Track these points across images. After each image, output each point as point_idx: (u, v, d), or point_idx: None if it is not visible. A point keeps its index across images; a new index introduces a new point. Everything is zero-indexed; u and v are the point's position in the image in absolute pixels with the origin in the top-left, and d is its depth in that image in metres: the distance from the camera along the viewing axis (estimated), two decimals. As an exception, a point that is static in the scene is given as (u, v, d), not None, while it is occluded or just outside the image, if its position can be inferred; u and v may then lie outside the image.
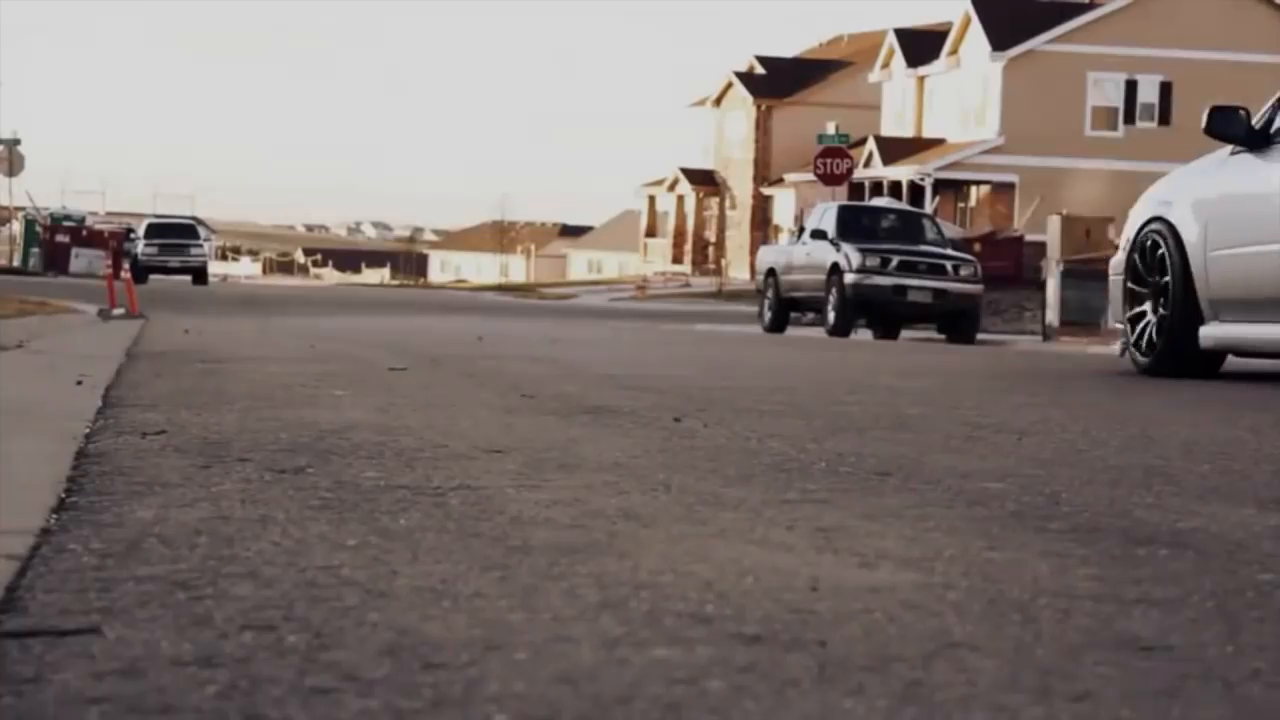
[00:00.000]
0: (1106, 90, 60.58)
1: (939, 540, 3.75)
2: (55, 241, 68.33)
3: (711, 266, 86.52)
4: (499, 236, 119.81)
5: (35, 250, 69.58)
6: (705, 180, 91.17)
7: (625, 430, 6.37)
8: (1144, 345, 11.54)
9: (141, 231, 66.14)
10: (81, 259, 66.61)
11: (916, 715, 2.21)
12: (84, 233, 69.21)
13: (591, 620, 2.76)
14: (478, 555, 3.39)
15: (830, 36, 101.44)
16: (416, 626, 2.68)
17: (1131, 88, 60.52)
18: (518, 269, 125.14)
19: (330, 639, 2.58)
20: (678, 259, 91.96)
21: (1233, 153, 10.94)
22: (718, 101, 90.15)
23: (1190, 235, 10.97)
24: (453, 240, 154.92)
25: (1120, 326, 12.16)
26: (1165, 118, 60.11)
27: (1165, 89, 60.32)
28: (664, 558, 3.41)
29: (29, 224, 71.65)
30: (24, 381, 8.46)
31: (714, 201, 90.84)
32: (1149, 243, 11.40)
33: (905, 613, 2.89)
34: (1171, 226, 11.11)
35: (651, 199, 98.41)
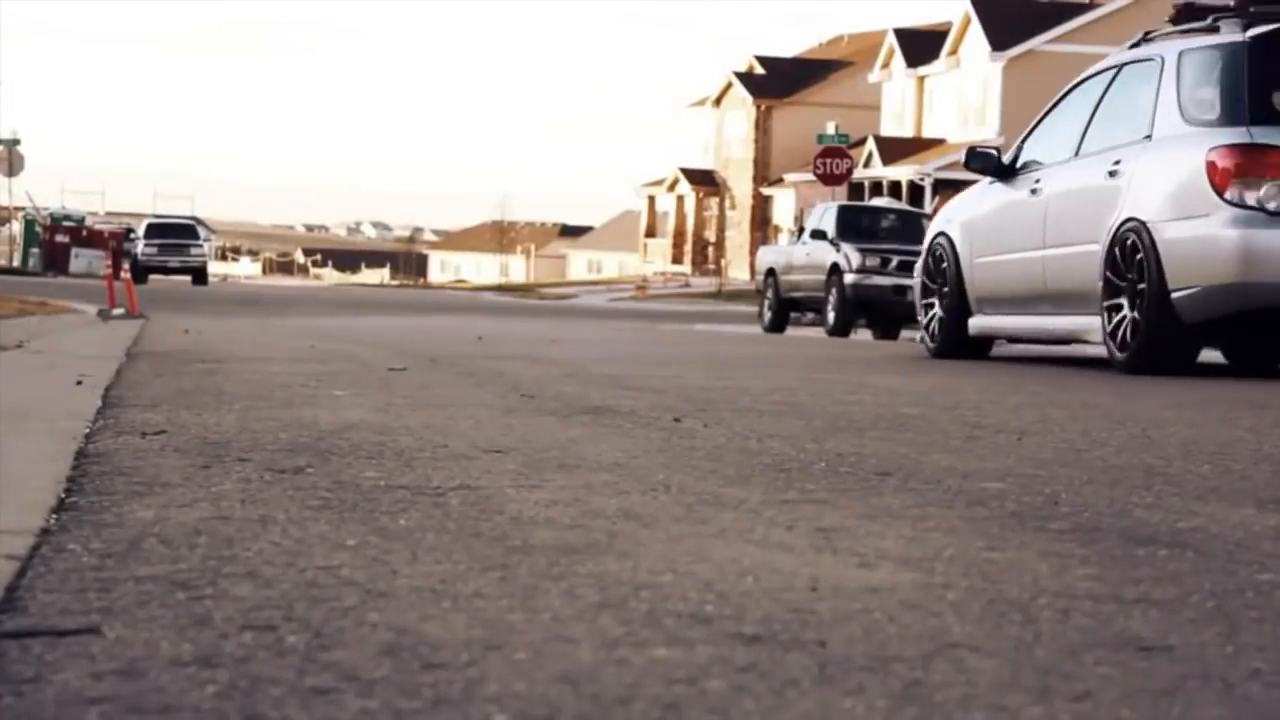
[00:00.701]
0: (1106, 90, 60.64)
1: (939, 540, 3.75)
2: (55, 241, 68.34)
3: (711, 267, 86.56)
4: (499, 237, 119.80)
5: (35, 250, 69.59)
6: (705, 180, 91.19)
7: (625, 430, 6.37)
8: (932, 333, 14.36)
9: (141, 231, 66.11)
10: (81, 259, 66.62)
11: (916, 715, 2.21)
12: (84, 233, 69.22)
13: (591, 620, 2.76)
14: (477, 555, 3.39)
15: (830, 37, 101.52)
16: (416, 626, 2.68)
17: (1131, 88, 60.59)
18: (517, 269, 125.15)
19: (330, 639, 2.58)
20: (677, 259, 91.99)
21: (990, 182, 13.85)
22: (718, 101, 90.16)
23: (961, 247, 13.98)
24: (452, 240, 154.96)
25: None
26: (1165, 118, 60.18)
27: (1165, 89, 60.40)
28: (664, 558, 3.41)
29: (29, 224, 71.65)
30: (24, 381, 8.46)
31: (714, 202, 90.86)
32: (936, 253, 14.41)
33: (905, 613, 2.89)
34: (950, 239, 14.20)
35: (651, 199, 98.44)
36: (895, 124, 69.62)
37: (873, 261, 28.68)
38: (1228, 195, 10.90)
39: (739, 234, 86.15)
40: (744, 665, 2.46)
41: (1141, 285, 11.38)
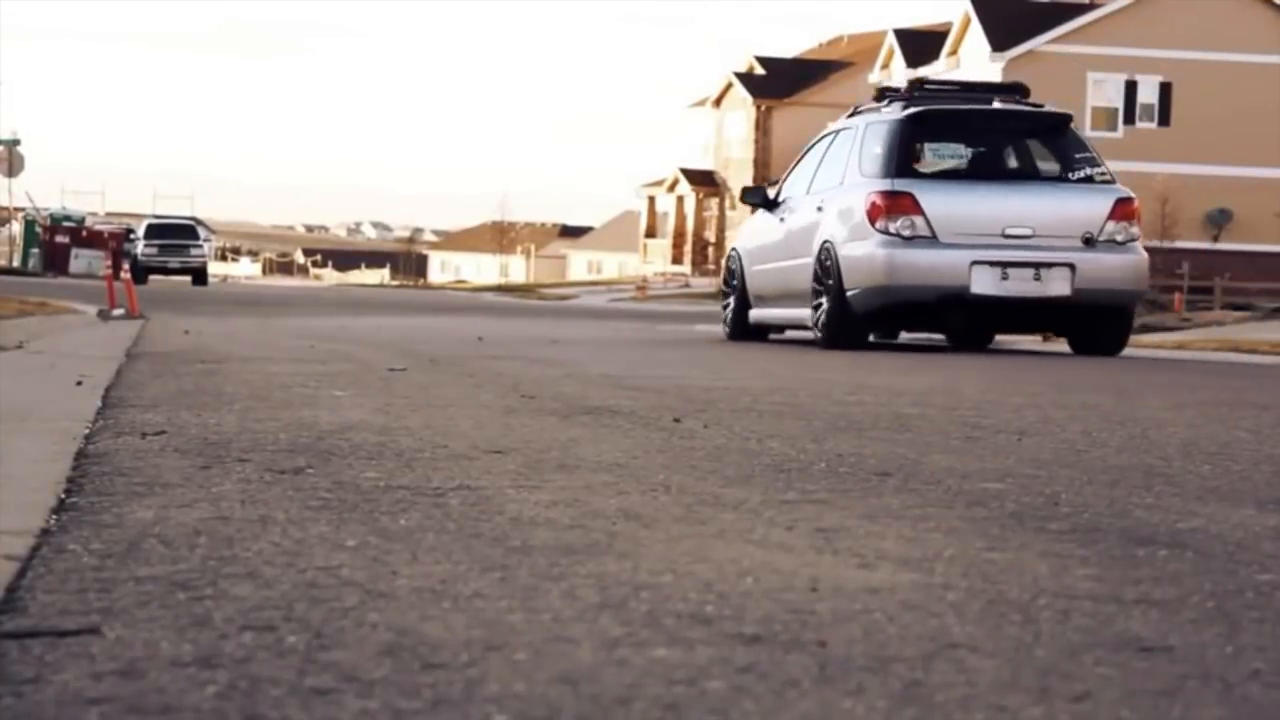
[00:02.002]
0: (1106, 91, 60.60)
1: (938, 541, 3.75)
2: (55, 242, 68.32)
3: (711, 267, 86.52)
4: (499, 237, 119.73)
5: (35, 251, 69.59)
6: (705, 181, 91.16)
7: (625, 431, 6.37)
8: (727, 321, 18.79)
9: (141, 232, 66.09)
10: (81, 259, 66.60)
11: (916, 716, 2.21)
12: (84, 233, 69.20)
13: (591, 621, 2.76)
14: (478, 556, 3.39)
15: (830, 37, 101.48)
16: (416, 627, 2.68)
17: (1131, 88, 60.53)
18: (518, 269, 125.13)
19: (330, 639, 2.58)
20: (677, 259, 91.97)
21: (762, 212, 18.25)
22: (718, 102, 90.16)
23: (745, 259, 18.44)
24: (452, 241, 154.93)
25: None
26: (1165, 118, 60.12)
27: (1165, 89, 60.33)
28: (664, 558, 3.41)
29: (29, 224, 71.64)
30: (24, 382, 8.46)
31: (714, 202, 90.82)
32: (730, 264, 18.94)
33: (905, 613, 2.89)
34: (739, 253, 18.69)
35: (651, 199, 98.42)
36: (895, 124, 69.70)
37: (873, 262, 28.65)
38: (878, 225, 15.52)
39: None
40: (744, 666, 2.46)
41: (832, 286, 15.85)
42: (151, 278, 60.74)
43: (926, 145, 16.70)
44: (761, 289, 17.86)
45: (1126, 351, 16.34)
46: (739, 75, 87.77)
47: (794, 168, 18.08)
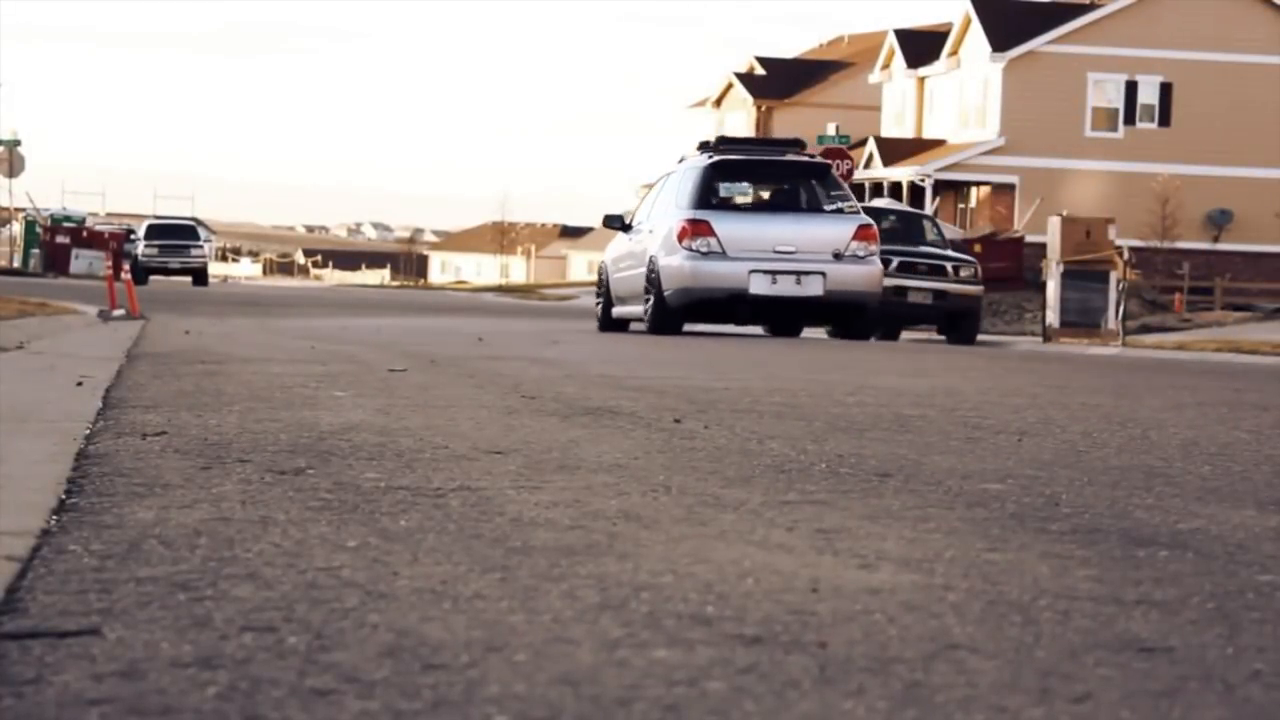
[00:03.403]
0: (1107, 91, 60.59)
1: (939, 541, 3.75)
2: (55, 242, 68.28)
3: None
4: (499, 237, 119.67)
5: (35, 251, 69.57)
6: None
7: (626, 431, 6.37)
8: (598, 316, 23.79)
9: (142, 232, 66.04)
10: (81, 260, 66.57)
11: (917, 717, 2.21)
12: (84, 234, 69.15)
13: (592, 622, 2.76)
14: (478, 556, 3.39)
15: (830, 37, 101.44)
16: (417, 628, 2.68)
17: (1132, 88, 60.51)
18: (518, 270, 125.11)
19: (330, 640, 2.58)
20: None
21: (623, 234, 23.35)
22: (718, 102, 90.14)
23: (610, 268, 23.42)
24: (453, 241, 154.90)
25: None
26: (1165, 119, 60.10)
27: (1165, 90, 60.30)
28: (664, 559, 3.41)
29: (29, 225, 71.62)
30: (24, 383, 8.46)
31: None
32: (601, 273, 23.98)
33: (905, 614, 2.89)
34: (605, 264, 23.76)
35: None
36: (896, 125, 69.64)
37: (872, 262, 28.68)
38: (684, 244, 20.86)
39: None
40: (744, 666, 2.46)
41: (655, 288, 21.07)
42: (152, 278, 60.69)
43: (723, 185, 22.37)
44: (618, 291, 23.00)
45: (1126, 352, 16.61)
46: (739, 75, 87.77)
47: (643, 199, 23.79)
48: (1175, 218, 54.89)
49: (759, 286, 20.71)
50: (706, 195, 21.40)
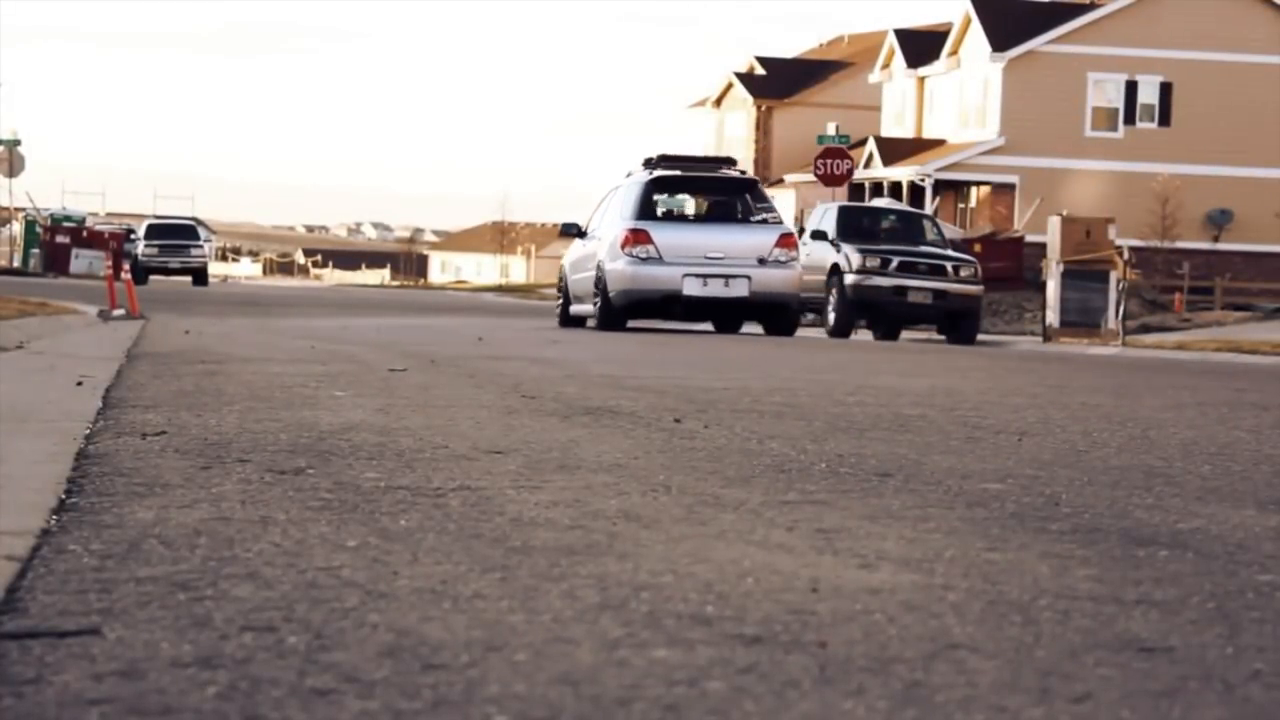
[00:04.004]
0: (1107, 91, 60.56)
1: (939, 541, 3.75)
2: (55, 242, 68.24)
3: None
4: (499, 237, 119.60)
5: (35, 251, 69.55)
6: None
7: (626, 431, 6.37)
8: (558, 314, 25.77)
9: (142, 232, 66.01)
10: (82, 260, 66.54)
11: (917, 717, 2.21)
12: (84, 233, 69.11)
13: (592, 621, 2.76)
14: (478, 556, 3.39)
15: (830, 37, 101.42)
16: (417, 628, 2.68)
17: (1131, 88, 60.47)
18: (518, 269, 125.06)
19: (330, 640, 2.58)
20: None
21: (578, 240, 25.53)
22: (718, 102, 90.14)
23: (568, 270, 25.58)
24: (453, 241, 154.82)
25: None
26: (1165, 118, 60.07)
27: (1165, 89, 60.27)
28: (664, 559, 3.41)
29: (29, 225, 71.58)
30: (24, 382, 8.46)
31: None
32: (560, 275, 26.15)
33: (905, 614, 2.89)
34: (564, 267, 25.91)
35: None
36: (895, 124, 69.61)
37: (873, 262, 28.65)
38: (626, 251, 23.19)
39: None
40: (744, 666, 2.46)
41: (602, 290, 23.34)
42: (152, 278, 60.66)
43: (661, 198, 25.49)
44: (575, 292, 25.29)
45: (1126, 352, 16.65)
46: (739, 75, 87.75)
47: (596, 209, 25.91)
48: (1175, 218, 54.88)
49: (692, 288, 23.23)
50: (646, 207, 23.96)
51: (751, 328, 24.75)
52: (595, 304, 23.78)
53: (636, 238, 23.38)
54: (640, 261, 23.24)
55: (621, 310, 23.52)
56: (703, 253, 23.41)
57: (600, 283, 23.54)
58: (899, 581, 3.20)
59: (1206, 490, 4.91)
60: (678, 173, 24.81)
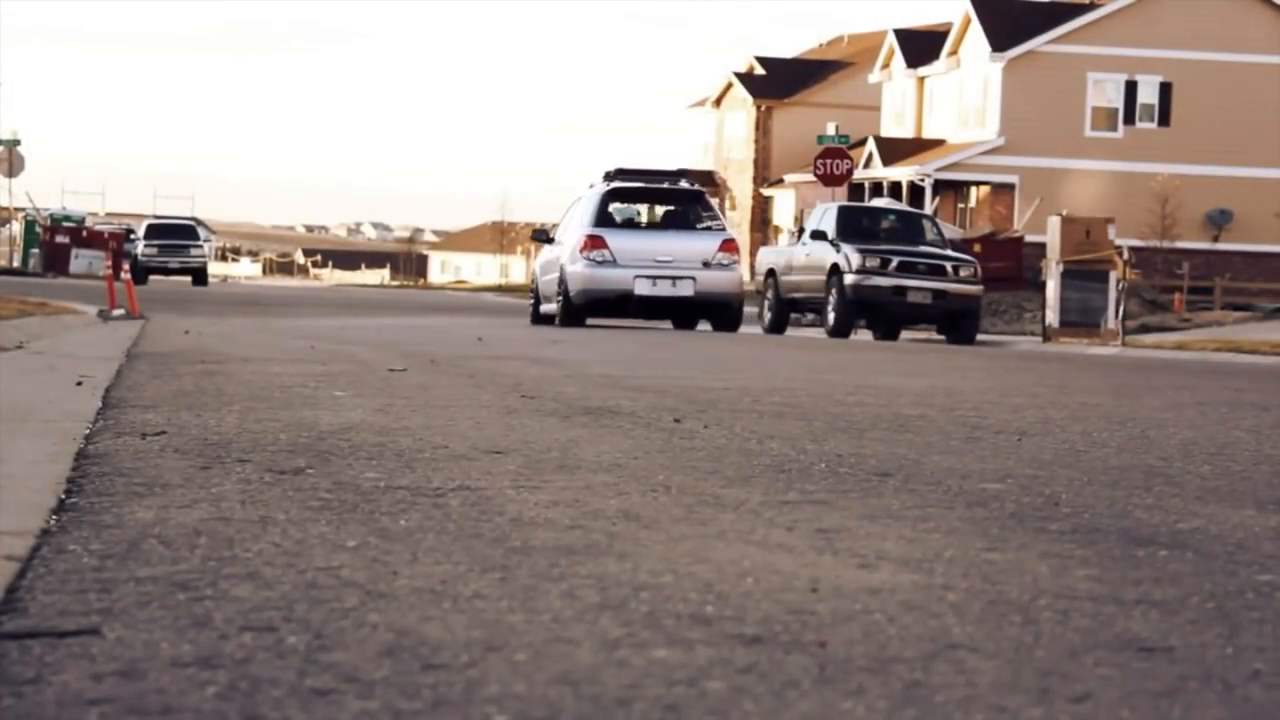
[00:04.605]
0: (1106, 91, 60.54)
1: (939, 541, 3.75)
2: (55, 242, 68.23)
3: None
4: (499, 237, 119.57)
5: (35, 251, 69.53)
6: (705, 181, 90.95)
7: (625, 431, 6.37)
8: (530, 312, 28.13)
9: (141, 232, 65.99)
10: (81, 260, 66.53)
11: (916, 716, 2.22)
12: (84, 233, 69.09)
13: (591, 621, 2.76)
14: (478, 556, 3.39)
15: (830, 37, 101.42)
16: (416, 627, 2.68)
17: (1131, 88, 60.46)
18: (518, 269, 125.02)
19: (330, 640, 2.58)
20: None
21: (546, 244, 28.14)
22: (718, 102, 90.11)
23: (538, 272, 28.03)
24: (452, 241, 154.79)
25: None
26: (1165, 118, 60.06)
27: (1165, 89, 60.26)
28: (664, 559, 3.41)
29: (29, 225, 71.57)
30: (24, 382, 8.46)
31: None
32: (532, 277, 28.82)
33: (905, 614, 2.89)
34: (535, 269, 28.54)
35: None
36: (895, 124, 69.59)
37: (873, 262, 28.66)
38: (583, 254, 25.61)
39: (739, 235, 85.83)
40: (744, 666, 2.46)
41: (563, 290, 25.70)
42: (152, 278, 60.64)
43: (617, 206, 28.17)
44: (543, 292, 27.71)
45: (1126, 352, 16.67)
46: (739, 75, 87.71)
47: (563, 217, 28.19)
48: (1175, 217, 54.87)
49: (643, 288, 25.84)
50: (603, 215, 26.71)
51: (703, 325, 26.88)
52: (558, 303, 26.13)
53: (593, 243, 25.99)
54: (596, 264, 25.82)
55: (580, 308, 25.90)
56: (653, 256, 26.07)
57: (562, 284, 26.00)
58: (899, 581, 3.20)
59: (1206, 490, 4.91)
60: (632, 184, 27.70)
